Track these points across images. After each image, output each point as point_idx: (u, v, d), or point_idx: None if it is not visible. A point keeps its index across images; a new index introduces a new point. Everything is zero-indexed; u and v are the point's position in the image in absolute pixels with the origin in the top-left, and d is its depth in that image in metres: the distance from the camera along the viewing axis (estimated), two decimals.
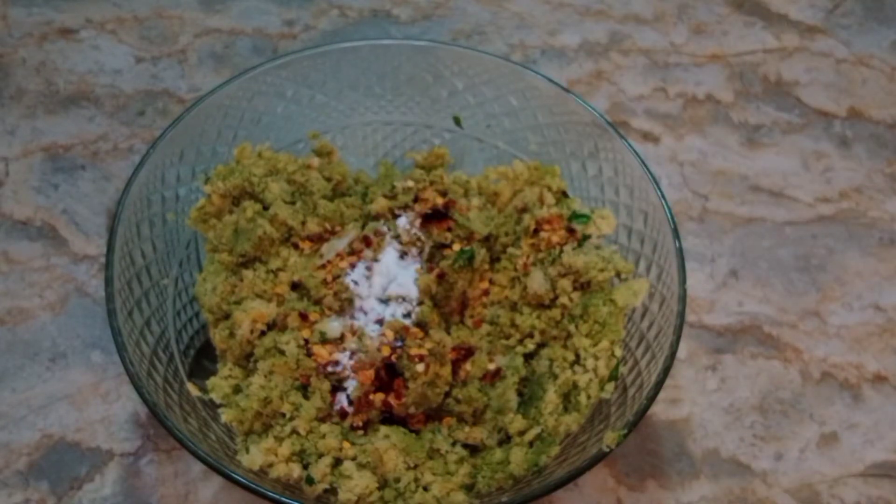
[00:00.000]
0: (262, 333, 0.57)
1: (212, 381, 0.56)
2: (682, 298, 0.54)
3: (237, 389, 0.56)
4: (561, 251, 0.59)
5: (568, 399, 0.56)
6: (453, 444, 0.55)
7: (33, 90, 0.77)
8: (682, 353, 0.65)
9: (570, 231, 0.60)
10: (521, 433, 0.55)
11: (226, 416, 0.54)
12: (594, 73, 0.82)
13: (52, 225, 0.69)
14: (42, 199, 0.70)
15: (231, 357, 0.58)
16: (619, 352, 0.56)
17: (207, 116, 0.61)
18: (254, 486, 0.47)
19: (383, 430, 0.53)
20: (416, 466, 0.52)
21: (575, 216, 0.61)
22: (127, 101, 0.77)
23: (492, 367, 0.57)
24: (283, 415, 0.54)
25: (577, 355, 0.57)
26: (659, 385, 0.51)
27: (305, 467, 0.53)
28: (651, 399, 0.51)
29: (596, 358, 0.56)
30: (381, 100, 0.67)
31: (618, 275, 0.58)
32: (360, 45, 0.64)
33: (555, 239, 0.60)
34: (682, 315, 0.54)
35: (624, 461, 0.61)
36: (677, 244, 0.56)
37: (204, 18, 0.83)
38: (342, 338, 0.57)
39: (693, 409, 0.63)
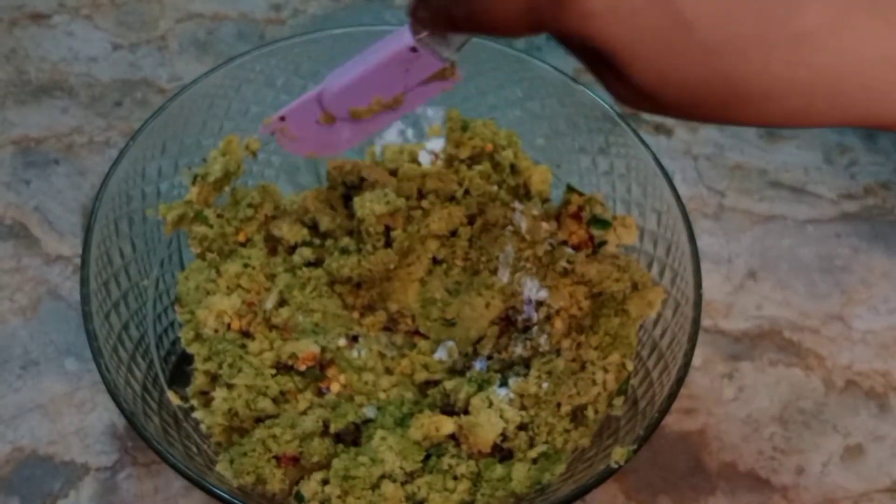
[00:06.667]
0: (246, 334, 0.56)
1: (191, 389, 0.55)
2: (698, 304, 0.53)
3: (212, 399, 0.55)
4: (558, 252, 0.58)
5: (574, 413, 0.54)
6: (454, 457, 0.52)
7: (3, 79, 0.75)
8: (696, 360, 0.64)
9: (589, 238, 0.59)
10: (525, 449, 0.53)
11: (204, 427, 0.54)
12: None
13: (23, 223, 0.68)
14: (12, 196, 0.69)
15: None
16: (630, 365, 0.55)
17: (192, 106, 0.60)
18: (237, 501, 0.47)
19: (379, 433, 0.51)
20: (412, 475, 0.51)
21: (595, 221, 0.59)
22: (103, 90, 0.75)
23: None
24: (261, 421, 0.53)
25: (584, 367, 0.55)
26: (672, 397, 0.50)
27: (296, 483, 0.52)
28: (663, 412, 0.50)
29: (605, 371, 0.54)
30: None
31: (634, 285, 0.57)
32: (355, 31, 0.62)
33: (574, 239, 0.58)
34: (697, 322, 0.53)
35: (635, 476, 0.59)
36: (693, 246, 0.55)
37: (185, 2, 0.81)
38: None
39: (708, 420, 0.62)
